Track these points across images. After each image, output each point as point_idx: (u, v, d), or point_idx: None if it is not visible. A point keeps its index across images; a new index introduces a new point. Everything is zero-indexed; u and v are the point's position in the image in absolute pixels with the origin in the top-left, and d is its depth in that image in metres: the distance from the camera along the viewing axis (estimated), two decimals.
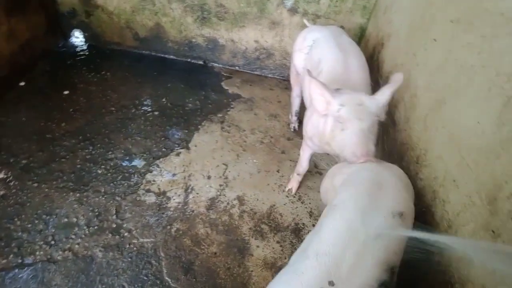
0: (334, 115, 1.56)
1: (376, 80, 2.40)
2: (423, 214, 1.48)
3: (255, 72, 3.44)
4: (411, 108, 1.80)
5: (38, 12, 3.02)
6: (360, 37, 3.00)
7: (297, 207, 2.31)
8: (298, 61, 2.33)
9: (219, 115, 2.92)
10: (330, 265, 1.09)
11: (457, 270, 1.21)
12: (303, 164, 2.23)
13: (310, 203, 2.34)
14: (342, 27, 2.90)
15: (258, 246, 2.07)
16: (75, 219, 2.06)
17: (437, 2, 1.72)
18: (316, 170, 2.56)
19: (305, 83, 2.01)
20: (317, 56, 2.10)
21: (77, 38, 3.43)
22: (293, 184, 2.37)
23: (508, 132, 1.08)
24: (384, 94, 1.57)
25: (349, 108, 1.52)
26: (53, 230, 1.99)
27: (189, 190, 2.31)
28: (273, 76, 3.44)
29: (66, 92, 2.86)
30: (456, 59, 1.47)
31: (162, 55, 3.45)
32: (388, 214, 1.23)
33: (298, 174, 2.32)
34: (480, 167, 1.18)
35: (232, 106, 3.04)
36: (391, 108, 2.04)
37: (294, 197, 2.36)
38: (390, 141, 1.94)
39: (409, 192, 1.43)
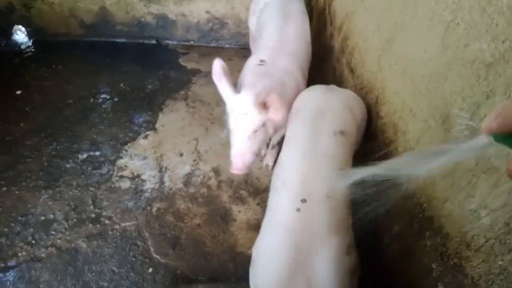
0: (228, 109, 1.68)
1: (331, 33, 2.44)
2: (388, 147, 1.56)
3: (212, 44, 3.40)
4: (365, 53, 1.85)
5: None
6: None
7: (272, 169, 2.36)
8: (251, 24, 2.33)
9: (182, 92, 2.89)
10: (297, 187, 1.26)
11: (424, 191, 1.29)
12: None
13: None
14: None
15: (239, 211, 2.12)
16: (52, 216, 2.03)
17: None
18: None
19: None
20: (263, 20, 2.14)
21: (20, 34, 3.25)
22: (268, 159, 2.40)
23: (451, 54, 1.14)
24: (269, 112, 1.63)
25: (231, 113, 1.63)
26: (32, 230, 1.96)
27: (164, 170, 2.31)
28: (230, 46, 3.42)
29: (18, 92, 2.74)
30: None
31: (113, 40, 3.34)
32: (329, 134, 1.43)
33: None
34: (432, 92, 1.25)
35: (193, 81, 3.01)
36: (348, 56, 2.09)
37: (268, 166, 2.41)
38: (350, 88, 1.99)
39: (354, 113, 1.60)
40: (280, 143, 2.29)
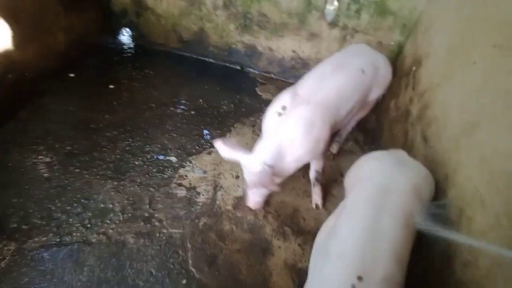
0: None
1: (411, 98, 2.43)
2: (449, 228, 1.51)
3: (289, 81, 3.52)
4: (443, 127, 1.83)
5: (93, 10, 3.24)
6: (397, 53, 3.02)
7: (320, 212, 2.36)
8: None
9: (251, 118, 3.02)
10: (354, 262, 1.22)
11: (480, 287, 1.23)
12: None
13: (332, 210, 2.38)
14: (380, 42, 2.96)
15: (280, 247, 2.14)
16: (111, 205, 2.18)
17: (480, 26, 1.74)
18: (341, 179, 2.60)
19: None
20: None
21: (126, 36, 3.63)
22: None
23: None
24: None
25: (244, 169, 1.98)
26: (90, 214, 2.11)
27: (218, 188, 2.41)
28: None
29: (111, 86, 3.04)
30: (495, 84, 1.49)
31: (202, 58, 3.60)
32: (393, 216, 1.37)
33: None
34: (511, 191, 1.21)
35: (264, 111, 3.11)
36: (424, 125, 2.07)
37: (318, 206, 2.41)
38: (420, 157, 1.96)
39: (422, 196, 1.52)
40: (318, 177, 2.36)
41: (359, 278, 1.17)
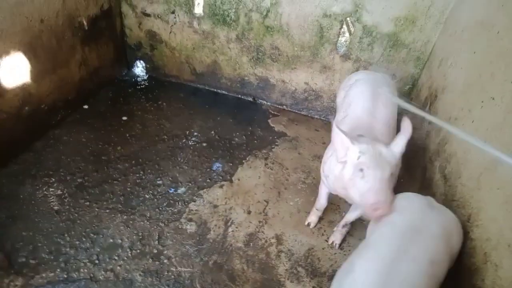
0: (354, 162, 1.57)
1: (428, 132, 2.37)
2: (473, 274, 1.41)
3: (302, 112, 3.51)
4: (463, 164, 1.76)
5: (108, 43, 3.32)
6: (412, 86, 2.99)
7: (335, 253, 2.26)
8: (339, 98, 2.39)
9: (264, 151, 2.98)
10: None
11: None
12: (321, 201, 2.26)
13: (349, 250, 2.28)
14: (394, 75, 2.93)
15: None
16: (120, 241, 2.14)
17: (495, 62, 1.70)
18: (364, 223, 2.50)
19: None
20: (351, 97, 2.17)
21: (140, 68, 3.70)
22: (312, 218, 2.40)
23: None
24: (399, 145, 1.59)
25: (369, 157, 1.53)
26: (98, 250, 2.07)
27: (229, 223, 2.35)
28: (320, 118, 3.49)
29: (124, 118, 3.07)
30: None
31: (215, 90, 3.63)
32: (417, 260, 1.30)
33: (317, 209, 2.36)
34: None
35: (277, 143, 3.09)
36: (443, 161, 2.00)
37: (334, 242, 2.32)
38: (439, 196, 1.88)
39: (451, 244, 1.44)
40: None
41: None
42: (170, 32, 3.34)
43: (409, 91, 3.01)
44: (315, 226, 2.39)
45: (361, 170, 1.54)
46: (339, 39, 2.96)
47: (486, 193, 1.50)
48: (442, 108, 2.25)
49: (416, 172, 2.37)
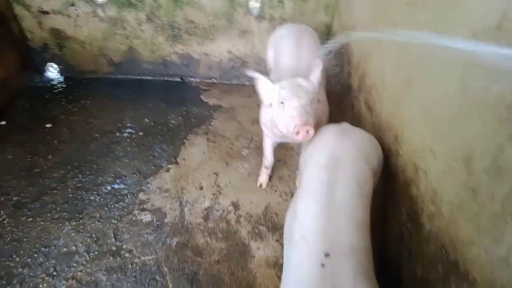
0: (276, 99, 1.73)
1: (349, 72, 2.50)
2: (409, 185, 1.56)
3: (233, 82, 3.51)
4: (382, 92, 1.89)
5: (10, 51, 3.03)
6: (327, 34, 3.10)
7: (289, 202, 2.36)
8: (269, 56, 2.46)
9: (203, 127, 2.97)
10: (319, 241, 1.23)
11: (447, 232, 1.28)
12: (268, 156, 2.33)
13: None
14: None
15: (258, 248, 2.11)
16: (74, 248, 2.06)
17: None
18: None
19: None
20: (278, 49, 2.30)
21: (52, 71, 3.43)
22: (262, 178, 2.47)
23: (471, 96, 1.16)
24: (314, 75, 1.78)
25: (288, 89, 1.70)
26: (54, 261, 1.98)
27: (184, 203, 2.34)
28: (250, 83, 3.50)
29: (48, 125, 2.86)
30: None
31: (139, 77, 3.48)
32: (345, 186, 1.43)
33: (266, 168, 2.42)
34: (453, 134, 1.26)
35: (214, 117, 3.09)
36: (366, 94, 2.13)
37: (287, 195, 2.41)
38: (369, 126, 2.01)
39: (370, 160, 1.59)
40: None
41: (326, 255, 1.18)
42: (75, 26, 3.11)
43: (325, 39, 3.12)
44: (267, 185, 2.46)
45: (282, 103, 1.69)
46: (250, 1, 2.96)
47: (405, 110, 1.64)
48: (355, 46, 2.37)
49: (346, 110, 2.51)
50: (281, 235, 2.16)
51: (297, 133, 1.60)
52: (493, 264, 1.04)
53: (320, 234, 1.26)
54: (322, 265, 1.17)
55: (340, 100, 2.66)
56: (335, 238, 1.24)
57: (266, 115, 1.98)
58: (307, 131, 1.60)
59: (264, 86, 1.80)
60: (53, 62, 3.38)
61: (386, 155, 1.75)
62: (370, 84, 2.06)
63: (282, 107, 1.69)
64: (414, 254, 1.53)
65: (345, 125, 1.78)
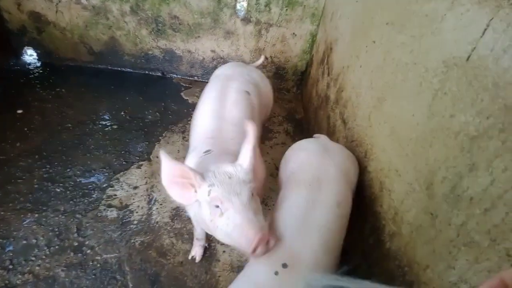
0: (206, 200, 1.25)
1: (328, 83, 2.52)
2: (373, 202, 1.58)
3: None
4: (357, 107, 1.91)
5: None
6: (311, 42, 3.12)
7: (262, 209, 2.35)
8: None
9: (180, 125, 2.94)
10: (280, 251, 1.23)
11: (405, 253, 1.30)
12: (197, 228, 1.91)
13: (273, 204, 2.38)
14: (294, 34, 3.03)
15: (224, 251, 2.10)
16: (34, 241, 2.00)
17: (373, 7, 1.84)
18: (277, 172, 2.62)
19: None
20: (201, 98, 2.00)
21: (30, 56, 3.34)
22: (195, 251, 2.03)
23: (437, 122, 1.18)
24: (246, 158, 1.31)
25: (220, 187, 1.23)
26: (11, 254, 1.92)
27: (152, 202, 2.31)
28: None
29: (20, 111, 2.78)
30: (393, 59, 1.58)
31: (119, 69, 3.42)
32: (326, 205, 1.42)
33: (197, 239, 2.01)
34: (417, 156, 1.28)
35: (192, 115, 3.05)
36: (342, 107, 2.15)
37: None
38: (342, 139, 2.03)
39: (349, 179, 1.59)
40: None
41: (284, 265, 1.19)
42: (57, 12, 3.03)
43: (309, 48, 3.13)
44: (201, 260, 2.04)
45: (217, 206, 1.23)
46: (237, 2, 2.95)
47: (376, 128, 1.66)
48: (336, 58, 2.39)
49: (323, 121, 2.53)
50: None
51: (254, 250, 1.16)
52: None
53: (285, 246, 1.25)
54: (276, 273, 1.17)
55: (318, 109, 2.68)
56: (298, 252, 1.24)
57: (194, 210, 1.45)
58: (267, 242, 1.19)
59: (183, 174, 1.27)
60: (31, 47, 3.28)
61: None
62: (346, 98, 2.07)
63: (219, 213, 1.22)
64: (373, 269, 1.55)
65: (325, 140, 1.77)
